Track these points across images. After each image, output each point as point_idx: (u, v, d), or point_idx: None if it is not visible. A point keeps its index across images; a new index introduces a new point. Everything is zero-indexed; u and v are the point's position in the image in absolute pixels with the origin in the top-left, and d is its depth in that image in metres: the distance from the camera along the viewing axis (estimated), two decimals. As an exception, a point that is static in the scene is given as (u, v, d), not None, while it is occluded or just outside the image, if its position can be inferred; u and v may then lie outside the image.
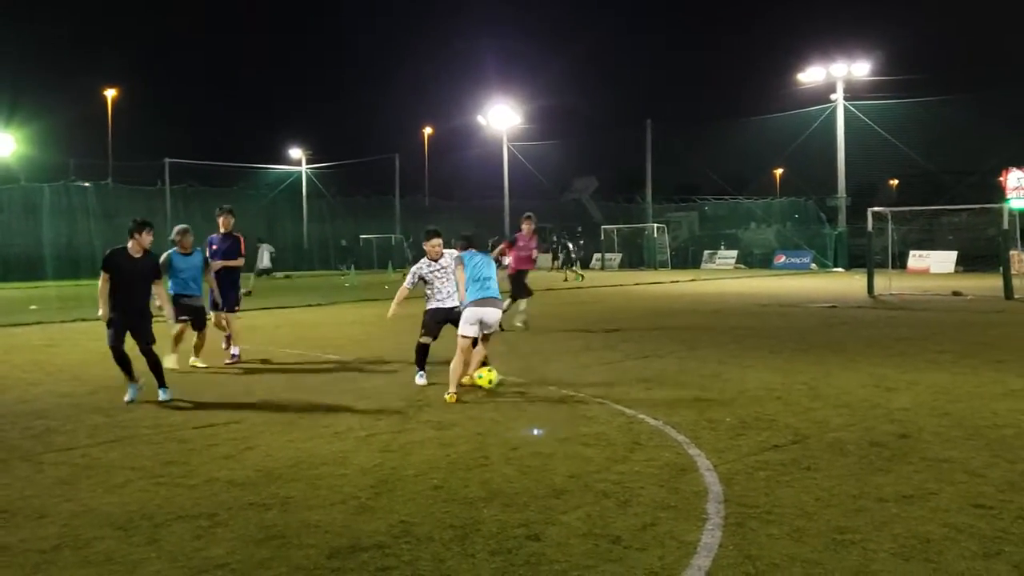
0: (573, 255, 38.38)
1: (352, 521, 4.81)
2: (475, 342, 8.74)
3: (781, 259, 46.31)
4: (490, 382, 8.74)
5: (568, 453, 6.24)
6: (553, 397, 8.49)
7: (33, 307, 21.63)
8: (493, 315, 8.80)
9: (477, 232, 9.68)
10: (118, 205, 46.47)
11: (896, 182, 67.38)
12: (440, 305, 9.18)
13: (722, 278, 36.05)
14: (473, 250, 9.11)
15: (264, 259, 29.87)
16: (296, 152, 62.79)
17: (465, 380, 8.69)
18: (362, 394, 8.80)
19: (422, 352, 9.26)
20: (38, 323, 17.38)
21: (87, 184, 46.06)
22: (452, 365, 8.50)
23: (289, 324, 17.30)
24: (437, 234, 9.28)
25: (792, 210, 52.65)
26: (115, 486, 5.57)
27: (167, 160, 51.17)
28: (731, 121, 52.17)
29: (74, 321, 17.70)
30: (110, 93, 57.50)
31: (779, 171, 74.77)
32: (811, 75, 44.69)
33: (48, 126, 68.91)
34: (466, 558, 4.23)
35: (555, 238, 42.77)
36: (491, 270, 8.90)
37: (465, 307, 8.71)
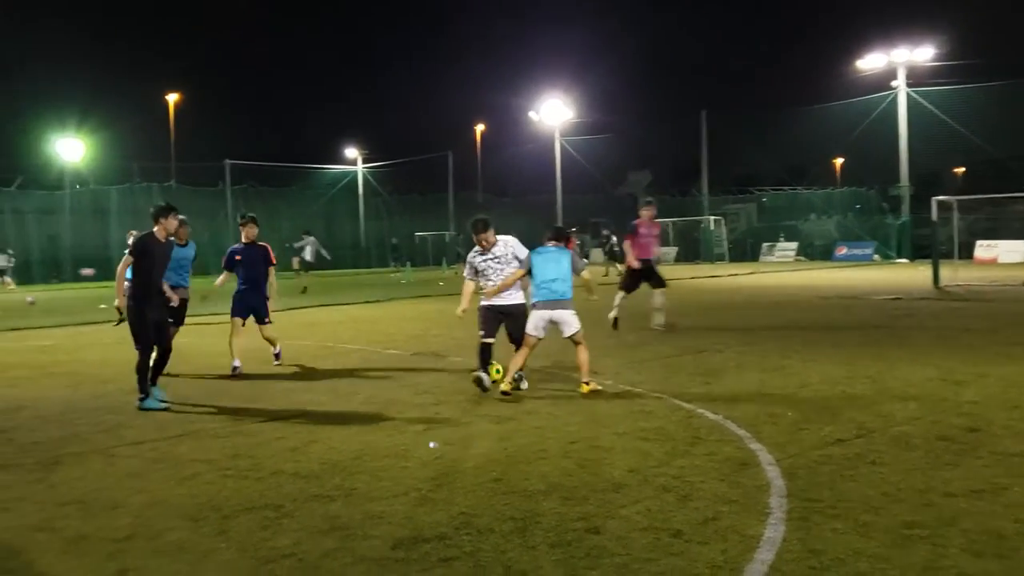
0: (615, 249, 38.13)
1: (414, 512, 4.87)
2: (537, 342, 8.61)
3: (842, 251, 45.46)
4: (497, 371, 8.73)
5: (627, 447, 6.23)
6: (610, 391, 8.47)
7: (103, 306, 22.22)
8: (564, 316, 8.45)
9: (561, 228, 9.25)
10: (181, 206, 46.98)
11: (962, 170, 65.76)
12: (494, 301, 8.67)
13: (782, 271, 35.54)
14: (551, 244, 8.70)
15: (307, 252, 29.29)
16: (352, 152, 63.54)
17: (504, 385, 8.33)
18: (420, 388, 8.88)
19: (484, 352, 8.67)
20: (108, 321, 17.84)
21: (152, 185, 47.28)
22: (514, 359, 8.45)
23: (349, 320, 17.54)
24: (486, 226, 8.66)
25: (853, 200, 51.68)
26: (184, 478, 5.72)
27: (227, 162, 52.11)
28: (789, 110, 51.23)
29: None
30: (172, 98, 58.78)
31: (839, 160, 73.50)
32: (871, 62, 43.76)
33: (114, 131, 70.75)
34: (527, 550, 4.26)
35: (604, 232, 42.44)
36: (559, 269, 8.46)
37: (532, 309, 8.49)
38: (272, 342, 10.94)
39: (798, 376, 9.06)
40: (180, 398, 8.65)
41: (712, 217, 50.91)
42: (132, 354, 9.37)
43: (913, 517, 4.58)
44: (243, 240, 10.81)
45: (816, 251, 47.59)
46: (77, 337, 15.07)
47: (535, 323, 8.46)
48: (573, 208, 55.83)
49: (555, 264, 8.50)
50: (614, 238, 39.11)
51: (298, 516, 4.87)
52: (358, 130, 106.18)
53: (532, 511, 4.83)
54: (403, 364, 10.83)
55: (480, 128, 73.01)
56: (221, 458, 6.22)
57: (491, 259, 8.67)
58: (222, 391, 9.08)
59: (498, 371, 8.75)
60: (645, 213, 13.94)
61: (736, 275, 32.68)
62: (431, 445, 6.46)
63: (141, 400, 8.14)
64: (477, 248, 8.76)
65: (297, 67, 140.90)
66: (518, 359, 8.45)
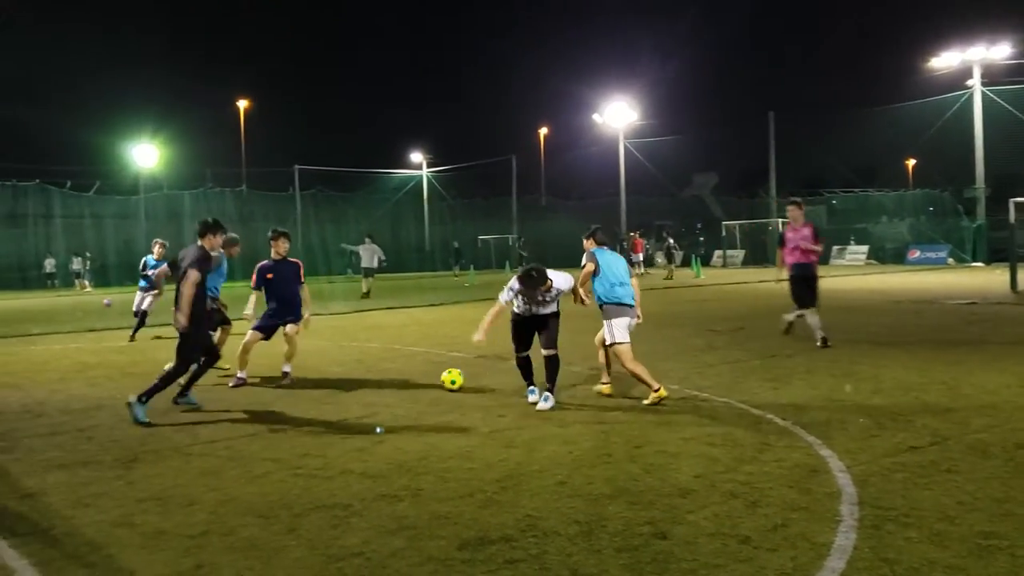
0: (672, 251, 37.80)
1: (480, 514, 4.90)
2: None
3: (915, 254, 44.34)
4: (452, 382, 8.97)
5: (693, 452, 6.18)
6: (676, 397, 8.40)
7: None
8: (633, 323, 8.21)
9: (600, 228, 8.79)
10: (253, 210, 48.73)
11: (1041, 170, 63.69)
12: (529, 312, 8.19)
13: (852, 274, 34.81)
14: (605, 247, 8.48)
15: (369, 259, 28.21)
16: (417, 156, 64.16)
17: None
18: (485, 391, 8.93)
19: (524, 366, 8.35)
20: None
21: (224, 191, 48.54)
22: (634, 373, 8.01)
23: (414, 323, 17.69)
24: (543, 277, 7.99)
25: (926, 202, 50.44)
26: (256, 477, 5.85)
27: (297, 167, 53.12)
28: (859, 110, 50.26)
29: (213, 321, 18.57)
30: (242, 104, 60.14)
31: (911, 162, 71.86)
32: (945, 60, 42.61)
33: (188, 137, 72.81)
34: (593, 553, 4.25)
35: (663, 234, 41.91)
36: (624, 273, 8.26)
37: (610, 310, 8.11)
38: (289, 356, 9.88)
39: (870, 381, 8.88)
40: (250, 398, 8.85)
41: (780, 220, 50.03)
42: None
43: (991, 527, 4.46)
44: (273, 256, 10.08)
45: (888, 254, 46.52)
46: (152, 338, 15.48)
47: (624, 329, 8.08)
48: (638, 210, 55.56)
49: (620, 266, 8.31)
50: (671, 240, 38.83)
51: (366, 515, 4.94)
52: (423, 135, 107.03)
53: (598, 515, 4.83)
54: (467, 366, 10.88)
55: (543, 131, 73.15)
56: (291, 457, 6.35)
57: (548, 299, 8.18)
58: (290, 392, 9.25)
59: (453, 382, 8.98)
60: (792, 213, 12.60)
61: (804, 279, 32.06)
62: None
63: (141, 402, 7.77)
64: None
65: (364, 73, 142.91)
66: (639, 369, 7.96)
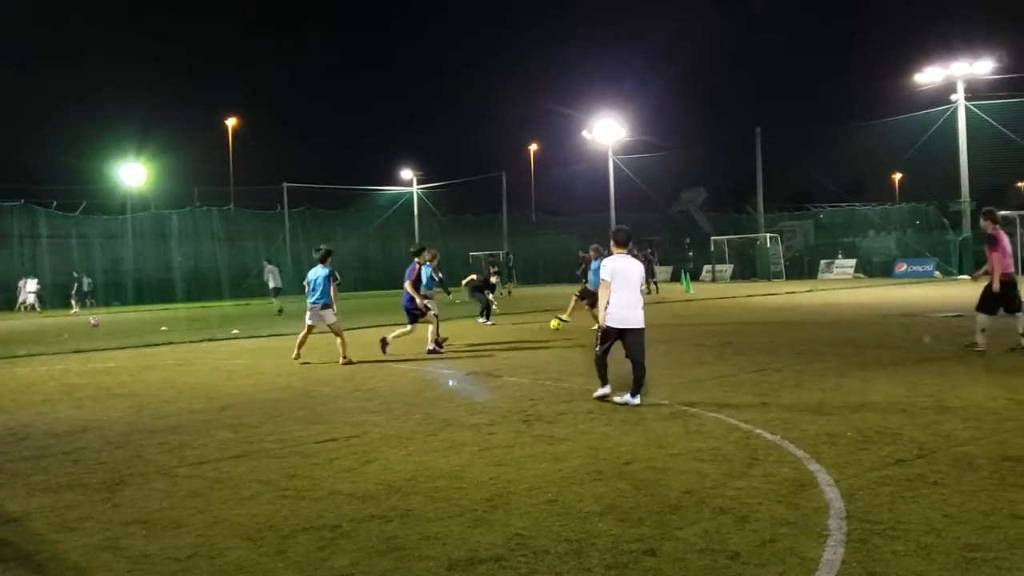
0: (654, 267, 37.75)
1: (469, 534, 4.89)
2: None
3: (902, 267, 44.66)
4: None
5: (683, 468, 6.18)
6: (665, 412, 8.42)
7: (164, 328, 22.75)
8: (327, 313, 13.73)
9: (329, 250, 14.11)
10: (240, 229, 48.66)
11: (1025, 184, 64.26)
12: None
13: (840, 288, 34.98)
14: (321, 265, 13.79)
15: (272, 278, 29.97)
16: (407, 173, 64.19)
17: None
18: (475, 408, 8.92)
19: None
20: (169, 343, 18.26)
21: (212, 209, 48.43)
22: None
23: (398, 340, 17.61)
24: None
25: (913, 216, 50.78)
26: (244, 498, 5.82)
27: (285, 185, 53.06)
28: (845, 126, 50.62)
29: (202, 341, 18.57)
30: (230, 122, 60.15)
31: (898, 176, 72.38)
32: (930, 75, 42.99)
33: (175, 156, 72.76)
34: (582, 572, 4.25)
35: (649, 251, 41.41)
36: (323, 283, 13.72)
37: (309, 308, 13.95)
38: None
39: (857, 395, 8.91)
40: (236, 419, 8.81)
41: (768, 234, 50.28)
42: (193, 377, 9.60)
43: (977, 539, 4.48)
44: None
45: (875, 268, 46.84)
46: (139, 359, 15.43)
47: (313, 317, 13.75)
48: (628, 226, 55.57)
49: (319, 279, 13.70)
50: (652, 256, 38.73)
51: (355, 536, 4.92)
52: (414, 152, 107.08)
53: (587, 533, 4.82)
54: (457, 383, 10.88)
55: (534, 148, 73.39)
56: (279, 478, 6.32)
57: None
58: (279, 411, 9.22)
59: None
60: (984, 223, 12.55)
61: (793, 293, 32.24)
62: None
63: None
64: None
65: (352, 89, 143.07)
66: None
